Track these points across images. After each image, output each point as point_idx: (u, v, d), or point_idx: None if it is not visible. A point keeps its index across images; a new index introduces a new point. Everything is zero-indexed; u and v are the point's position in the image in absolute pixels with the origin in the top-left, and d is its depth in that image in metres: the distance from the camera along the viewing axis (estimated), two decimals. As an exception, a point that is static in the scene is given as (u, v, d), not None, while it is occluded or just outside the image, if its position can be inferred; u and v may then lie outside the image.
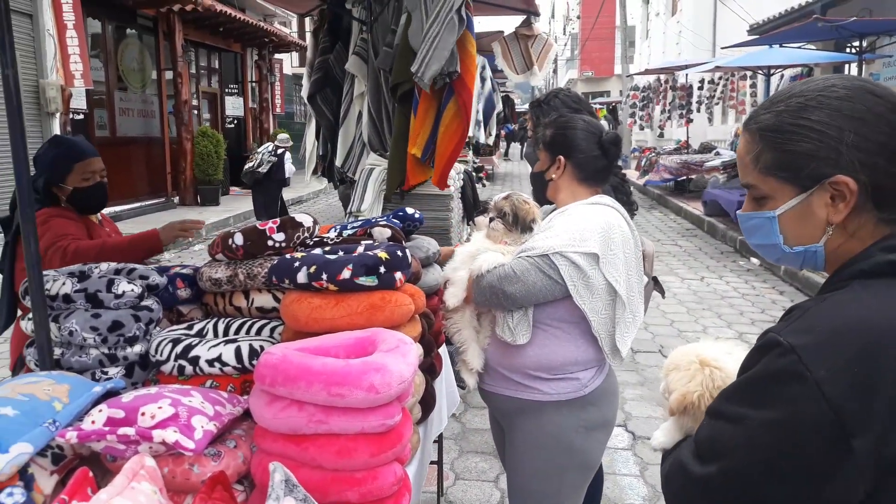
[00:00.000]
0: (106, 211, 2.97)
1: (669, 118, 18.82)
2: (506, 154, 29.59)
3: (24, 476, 1.46)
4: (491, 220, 2.12)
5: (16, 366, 2.64)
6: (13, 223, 2.74)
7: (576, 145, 2.13)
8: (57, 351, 1.90)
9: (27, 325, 1.95)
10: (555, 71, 51.70)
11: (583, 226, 1.97)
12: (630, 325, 2.02)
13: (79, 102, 11.58)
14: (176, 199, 14.71)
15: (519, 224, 2.09)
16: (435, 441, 2.95)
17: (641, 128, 21.36)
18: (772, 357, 0.99)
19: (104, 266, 2.10)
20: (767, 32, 12.62)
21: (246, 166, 10.51)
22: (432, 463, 2.95)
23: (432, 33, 3.16)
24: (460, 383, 4.36)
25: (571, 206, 2.09)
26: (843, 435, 0.91)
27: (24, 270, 2.48)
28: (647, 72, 20.08)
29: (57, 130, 11.01)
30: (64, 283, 1.93)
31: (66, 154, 2.71)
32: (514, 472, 2.17)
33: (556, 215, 2.09)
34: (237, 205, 14.94)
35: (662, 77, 18.55)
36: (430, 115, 3.34)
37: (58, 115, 11.02)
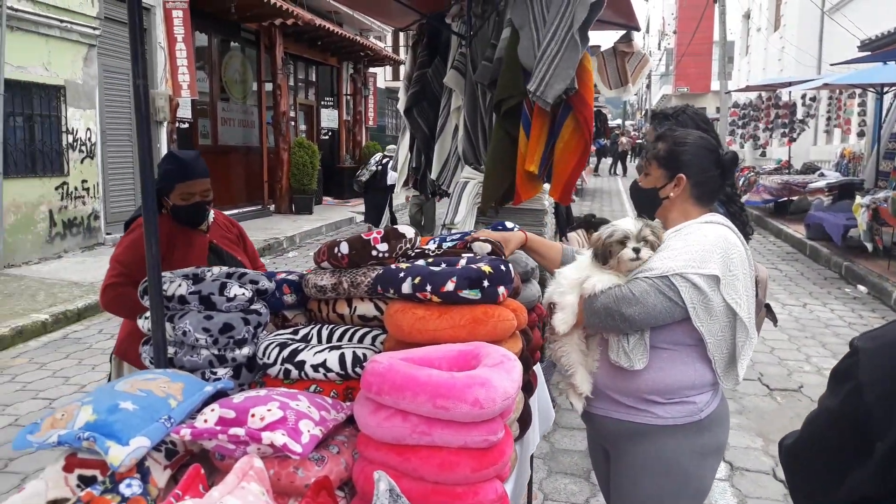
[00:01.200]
0: None
1: (771, 136, 18.11)
2: (596, 169, 28.99)
3: (140, 468, 1.52)
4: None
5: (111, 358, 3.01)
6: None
7: (697, 163, 2.06)
8: (171, 350, 1.98)
9: (144, 324, 2.05)
10: (648, 86, 50.79)
11: (702, 246, 1.91)
12: (747, 348, 1.95)
13: (185, 112, 12.18)
14: (272, 208, 15.21)
15: (626, 243, 1.98)
16: (525, 458, 2.91)
17: (742, 146, 20.64)
18: (845, 356, 1.17)
19: (216, 270, 2.18)
20: (881, 48, 11.97)
21: (357, 174, 11.07)
22: (522, 481, 2.92)
23: (550, 51, 3.17)
24: (553, 403, 4.29)
25: (688, 226, 2.02)
26: (870, 436, 1.06)
27: (116, 261, 2.79)
28: (747, 88, 19.39)
29: (164, 139, 11.61)
30: (180, 285, 2.01)
31: (173, 173, 2.86)
32: (624, 498, 2.10)
33: (671, 235, 2.02)
34: (329, 214, 15.33)
35: (764, 94, 17.88)
36: (544, 132, 3.35)
37: (165, 123, 11.63)
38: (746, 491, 3.62)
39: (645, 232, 1.95)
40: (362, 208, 9.99)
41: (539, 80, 3.20)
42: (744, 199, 14.85)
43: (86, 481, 1.55)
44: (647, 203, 2.16)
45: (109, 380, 3.10)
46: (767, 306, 2.34)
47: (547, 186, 3.96)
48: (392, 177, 9.61)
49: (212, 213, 3.12)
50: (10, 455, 4.04)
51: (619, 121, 53.69)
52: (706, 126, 2.85)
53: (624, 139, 30.32)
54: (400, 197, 10.01)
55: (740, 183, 16.12)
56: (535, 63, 3.25)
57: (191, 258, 2.83)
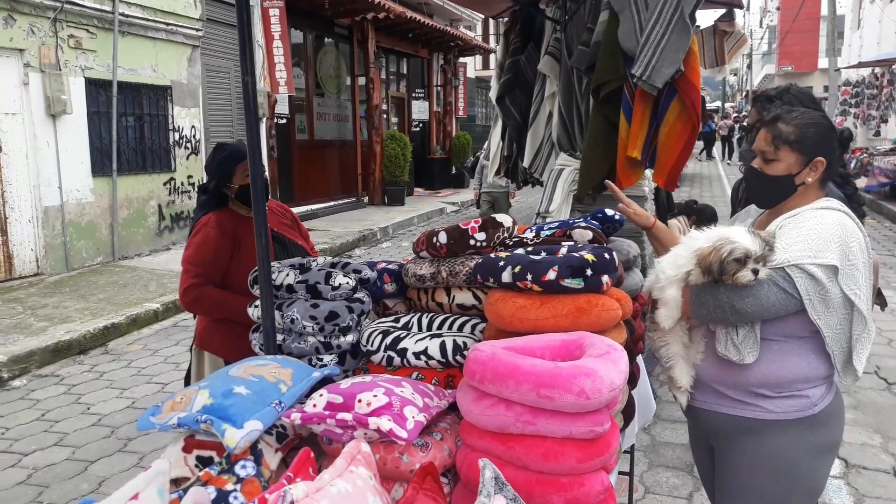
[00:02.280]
0: (302, 209, 3.25)
1: (889, 114, 16.96)
2: (707, 154, 27.44)
3: (254, 451, 1.58)
4: (755, 272, 1.78)
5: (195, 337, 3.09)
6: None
7: (830, 144, 1.92)
8: (279, 337, 2.05)
9: (254, 312, 2.13)
10: (749, 66, 48.59)
11: (819, 234, 1.79)
12: (867, 341, 1.83)
13: (282, 108, 12.55)
14: (365, 199, 15.51)
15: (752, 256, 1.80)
16: (626, 451, 2.86)
17: (855, 126, 19.45)
18: None
19: (321, 260, 2.24)
20: None
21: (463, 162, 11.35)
22: (622, 473, 2.86)
23: (656, 35, 3.08)
24: (654, 394, 4.19)
25: (802, 212, 1.90)
26: None
27: (189, 263, 2.85)
28: (861, 64, 18.24)
29: (263, 135, 12.02)
30: (287, 275, 2.08)
31: (229, 157, 2.93)
32: (731, 495, 2.02)
33: (784, 221, 1.91)
34: (421, 205, 15.49)
35: (878, 70, 16.77)
36: (647, 116, 3.26)
37: (264, 119, 12.03)
38: (864, 490, 3.42)
39: (766, 252, 1.79)
40: (453, 198, 10.13)
41: (645, 65, 3.12)
42: (864, 184, 14.04)
43: (203, 462, 1.62)
44: (770, 192, 1.97)
45: (190, 370, 3.19)
46: (878, 291, 2.18)
47: (648, 172, 3.86)
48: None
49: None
50: (128, 435, 4.30)
51: (717, 103, 51.64)
52: (814, 106, 2.69)
53: (722, 122, 29.03)
54: (469, 193, 10.13)
55: (852, 165, 15.21)
56: (640, 47, 3.16)
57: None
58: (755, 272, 1.78)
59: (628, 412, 2.02)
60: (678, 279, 1.91)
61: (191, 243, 2.91)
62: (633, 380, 2.20)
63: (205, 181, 3.07)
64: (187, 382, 3.21)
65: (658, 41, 3.09)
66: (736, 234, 1.81)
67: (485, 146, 10.06)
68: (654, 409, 2.73)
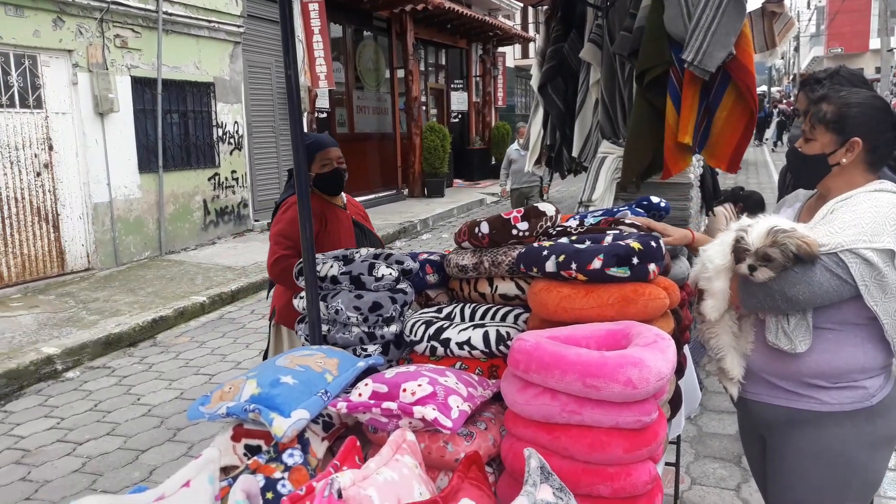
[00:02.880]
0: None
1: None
2: (759, 140, 26.61)
3: (301, 439, 1.60)
4: (752, 269, 1.76)
5: (271, 315, 3.31)
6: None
7: (871, 125, 1.86)
8: (324, 327, 2.07)
9: (299, 303, 2.15)
10: (796, 49, 47.33)
11: (874, 217, 1.73)
12: None
13: (322, 102, 12.66)
14: (405, 192, 15.56)
15: (806, 261, 1.73)
16: (672, 442, 2.82)
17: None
18: None
19: (363, 251, 2.25)
20: None
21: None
22: (669, 464, 2.83)
23: (706, 19, 3.02)
24: (700, 385, 4.13)
25: (855, 195, 1.83)
26: None
27: (280, 236, 3.02)
28: (912, 45, 17.64)
29: (304, 129, 12.13)
30: (332, 266, 2.09)
31: (308, 146, 3.04)
32: (784, 488, 1.97)
33: (836, 205, 1.85)
34: (460, 196, 15.48)
35: (932, 50, 16.19)
36: (696, 101, 3.21)
37: (305, 114, 12.14)
38: (921, 483, 3.32)
39: (772, 252, 1.72)
40: (493, 189, 10.08)
41: (696, 50, 3.06)
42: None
43: (252, 450, 1.65)
44: (807, 172, 1.96)
45: (268, 344, 3.37)
46: None
47: (694, 160, 3.78)
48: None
49: (345, 196, 3.34)
50: (177, 425, 4.40)
51: (763, 87, 50.40)
52: (865, 87, 2.61)
53: (782, 105, 28.07)
54: (506, 185, 9.88)
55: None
56: (689, 32, 3.10)
57: (341, 232, 3.14)
58: (751, 269, 1.75)
59: (675, 402, 1.98)
60: (725, 269, 1.87)
61: (280, 219, 3.09)
62: (679, 370, 2.16)
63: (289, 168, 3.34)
64: (265, 357, 3.45)
65: (709, 25, 3.03)
66: (759, 224, 1.79)
67: (516, 141, 9.98)
68: (700, 399, 2.69)
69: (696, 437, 3.85)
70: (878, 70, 21.40)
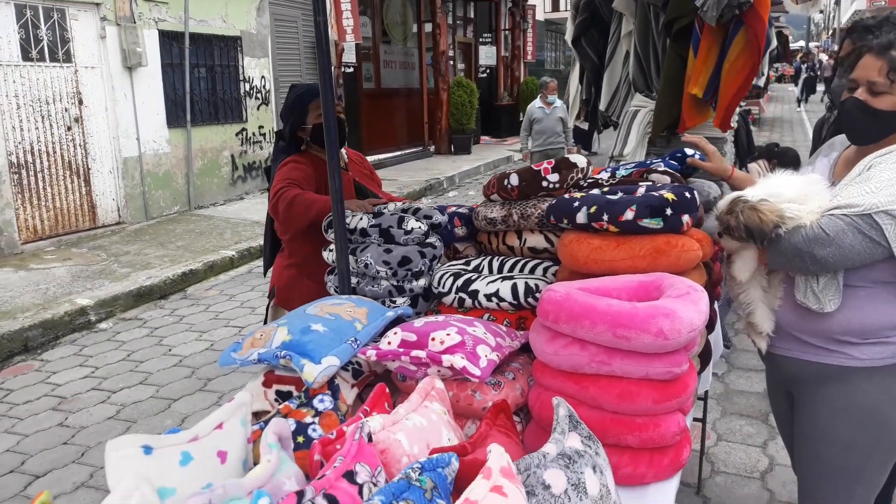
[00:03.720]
0: (370, 159, 3.17)
1: None
2: (805, 100, 24.50)
3: (331, 386, 1.62)
4: (720, 235, 1.79)
5: (270, 294, 3.06)
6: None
7: None
8: (353, 280, 2.07)
9: (329, 256, 2.15)
10: (837, 2, 45.73)
11: None
12: None
13: (349, 57, 12.53)
14: (432, 149, 15.46)
15: (756, 238, 1.73)
16: (699, 398, 2.81)
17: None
18: None
19: (392, 206, 2.24)
20: None
21: None
22: (696, 420, 2.83)
23: None
24: (726, 342, 4.08)
25: (894, 151, 1.74)
26: None
27: (283, 178, 2.72)
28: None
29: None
30: (361, 219, 2.09)
31: (302, 97, 2.88)
32: (811, 444, 1.94)
33: (874, 160, 1.76)
34: (487, 153, 15.36)
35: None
36: (713, 52, 3.08)
37: (332, 69, 12.05)
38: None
39: (725, 218, 1.73)
40: (520, 146, 9.55)
41: None
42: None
43: (283, 396, 1.67)
44: (874, 128, 1.79)
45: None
46: None
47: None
48: (560, 109, 8.82)
49: (345, 152, 3.09)
50: (208, 375, 4.49)
51: (801, 42, 48.89)
52: None
53: (824, 58, 26.63)
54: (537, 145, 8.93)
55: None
56: None
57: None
58: (719, 234, 1.77)
59: (705, 356, 1.97)
60: None
61: (279, 172, 2.80)
62: (710, 324, 2.14)
63: (278, 129, 3.01)
64: None
65: None
66: (726, 196, 1.81)
67: (538, 98, 9.05)
68: (721, 353, 2.66)
69: (723, 395, 3.84)
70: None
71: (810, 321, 1.83)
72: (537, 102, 8.92)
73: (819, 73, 25.36)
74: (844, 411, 1.83)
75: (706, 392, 2.90)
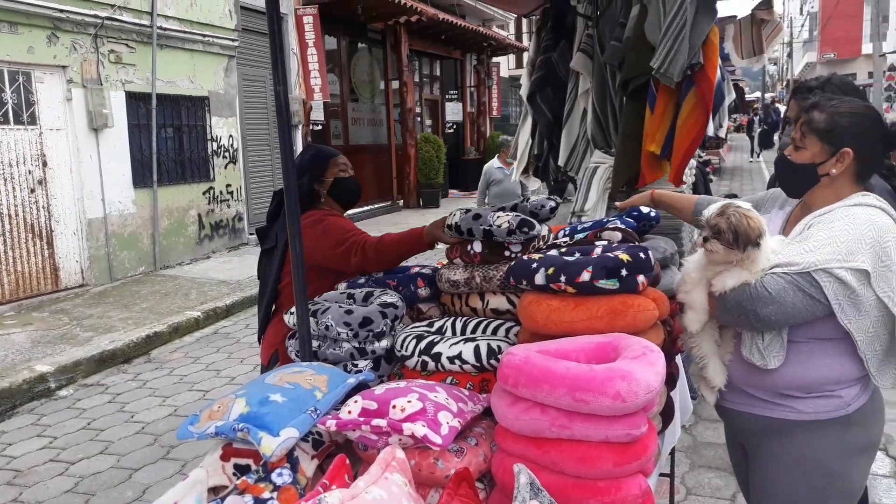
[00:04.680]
0: None
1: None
2: (759, 154, 24.88)
3: (290, 458, 1.59)
4: (705, 239, 1.83)
5: (270, 360, 2.91)
6: (272, 232, 2.98)
7: (863, 136, 1.83)
8: (314, 343, 2.06)
9: (290, 319, 2.14)
10: (790, 55, 47.59)
11: (850, 235, 1.71)
12: None
13: (317, 114, 12.68)
14: (401, 203, 15.57)
15: (741, 243, 1.78)
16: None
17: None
18: None
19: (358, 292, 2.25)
20: None
21: None
22: (663, 475, 2.81)
23: (675, 26, 3.01)
24: (692, 393, 4.11)
25: (834, 210, 1.81)
26: None
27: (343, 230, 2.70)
28: (903, 50, 17.73)
29: (299, 142, 12.15)
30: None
31: (321, 153, 2.94)
32: (764, 498, 1.96)
33: (814, 220, 1.83)
34: (455, 206, 15.43)
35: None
36: (669, 109, 3.18)
37: (300, 127, 12.16)
38: (917, 490, 3.31)
39: (716, 221, 1.78)
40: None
41: (663, 57, 3.04)
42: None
43: (241, 470, 1.63)
44: (796, 181, 1.93)
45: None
46: None
47: (693, 162, 3.78)
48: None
49: None
50: (171, 443, 4.38)
51: (757, 93, 50.60)
52: (856, 95, 2.61)
53: (782, 108, 27.64)
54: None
55: (898, 154, 14.73)
56: (660, 39, 3.09)
57: None
58: (705, 240, 1.82)
59: (667, 414, 1.98)
60: (700, 280, 1.87)
61: (327, 228, 2.70)
62: (671, 380, 2.16)
63: (276, 189, 2.96)
64: None
65: (678, 33, 3.01)
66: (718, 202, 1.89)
67: (496, 158, 8.42)
68: (692, 409, 2.68)
69: (691, 447, 3.84)
70: (870, 75, 21.50)
71: (757, 376, 1.87)
72: (496, 163, 8.16)
73: (776, 122, 26.15)
74: (793, 464, 1.86)
75: (673, 446, 2.90)
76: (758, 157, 24.07)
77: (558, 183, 5.23)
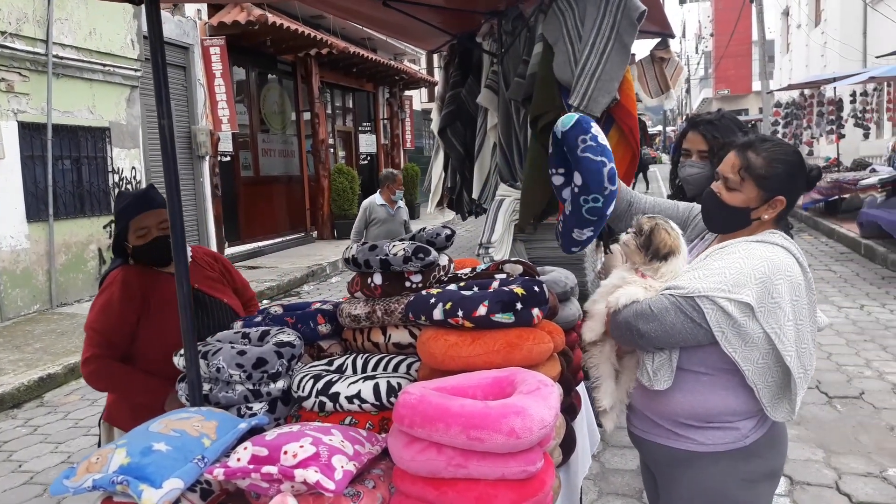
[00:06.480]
0: (249, 247, 3.02)
1: (819, 135, 17.66)
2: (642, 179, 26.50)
3: (176, 511, 1.50)
4: (626, 233, 1.95)
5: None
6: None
7: (793, 184, 1.86)
8: (206, 386, 1.97)
9: (179, 361, 2.04)
10: (688, 91, 50.15)
11: (740, 269, 1.74)
12: (800, 381, 1.75)
13: (226, 146, 12.42)
14: (314, 234, 15.36)
15: (650, 250, 1.86)
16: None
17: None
18: None
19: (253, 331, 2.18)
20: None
21: None
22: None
23: (591, 65, 3.12)
24: (599, 422, 4.18)
25: (734, 244, 1.85)
26: None
27: (91, 329, 2.51)
28: (790, 87, 19.01)
29: (207, 173, 11.86)
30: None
31: (122, 212, 2.60)
32: None
33: (714, 252, 1.87)
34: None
35: (807, 92, 17.48)
36: None
37: (207, 158, 11.87)
38: (809, 507, 3.45)
39: (643, 221, 1.92)
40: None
41: (582, 95, 3.15)
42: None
43: (122, 525, 1.54)
44: (722, 220, 1.92)
45: (100, 446, 2.71)
46: None
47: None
48: (405, 211, 7.79)
49: (189, 251, 2.65)
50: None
51: (659, 127, 53.03)
52: (744, 131, 2.74)
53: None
54: (435, 219, 8.15)
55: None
56: (575, 78, 3.20)
57: (169, 312, 2.38)
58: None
59: (567, 446, 1.99)
60: (606, 293, 1.90)
61: (95, 304, 2.55)
62: (572, 411, 2.18)
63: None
64: None
65: (593, 71, 3.13)
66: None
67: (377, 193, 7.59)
68: (599, 439, 2.71)
69: (599, 474, 3.88)
70: (760, 110, 22.91)
71: (658, 403, 1.90)
72: (378, 199, 7.33)
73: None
74: (696, 493, 1.89)
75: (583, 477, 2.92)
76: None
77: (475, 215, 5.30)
